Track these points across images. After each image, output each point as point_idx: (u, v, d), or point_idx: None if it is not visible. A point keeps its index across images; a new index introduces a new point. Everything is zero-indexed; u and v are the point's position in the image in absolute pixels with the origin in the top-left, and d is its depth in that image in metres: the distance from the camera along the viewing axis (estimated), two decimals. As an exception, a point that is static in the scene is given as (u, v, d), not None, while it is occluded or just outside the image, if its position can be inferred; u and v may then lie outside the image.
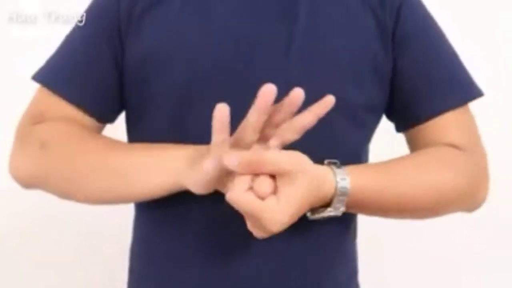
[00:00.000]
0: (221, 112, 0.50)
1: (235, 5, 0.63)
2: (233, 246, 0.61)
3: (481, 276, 1.34)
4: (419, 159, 0.65)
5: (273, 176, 0.51)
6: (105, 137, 0.66)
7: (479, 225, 1.24)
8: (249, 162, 0.50)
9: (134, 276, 0.70)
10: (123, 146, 0.65)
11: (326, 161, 0.58)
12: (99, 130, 0.69)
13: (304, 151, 0.54)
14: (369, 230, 0.77)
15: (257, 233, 0.53)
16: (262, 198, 0.50)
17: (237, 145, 0.53)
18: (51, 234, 1.28)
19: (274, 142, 0.54)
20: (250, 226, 0.53)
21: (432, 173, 0.63)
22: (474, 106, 0.69)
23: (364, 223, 0.73)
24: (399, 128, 0.72)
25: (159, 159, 0.59)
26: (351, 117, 0.64)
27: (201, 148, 0.57)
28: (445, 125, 0.66)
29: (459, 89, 0.68)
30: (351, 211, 0.61)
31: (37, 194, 0.67)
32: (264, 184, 0.51)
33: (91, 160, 0.62)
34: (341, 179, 0.56)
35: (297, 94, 0.52)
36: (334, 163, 0.58)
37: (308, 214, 0.58)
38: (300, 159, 0.53)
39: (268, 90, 0.49)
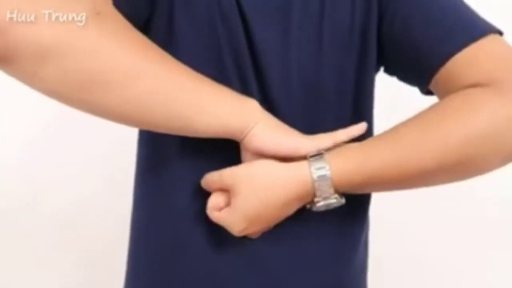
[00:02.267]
0: (363, 127, 0.60)
1: None
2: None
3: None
4: (424, 117, 0.57)
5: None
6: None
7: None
8: (203, 183, 0.60)
9: (133, 265, 0.69)
10: (186, 67, 0.57)
11: (308, 155, 0.57)
12: None
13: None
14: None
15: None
16: (217, 209, 0.59)
17: None
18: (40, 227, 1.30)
19: None
20: None
21: (443, 129, 0.54)
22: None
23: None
24: (422, 89, 0.65)
25: (236, 98, 0.58)
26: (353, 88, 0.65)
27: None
28: (462, 64, 0.58)
29: (467, 25, 0.59)
30: (362, 191, 0.63)
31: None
32: (212, 199, 0.59)
33: (162, 71, 0.54)
34: (317, 168, 0.56)
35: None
36: (319, 154, 0.57)
37: (308, 207, 0.60)
38: (237, 171, 0.58)
39: (363, 128, 0.60)
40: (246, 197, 0.57)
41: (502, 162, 0.56)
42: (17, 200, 1.29)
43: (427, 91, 0.65)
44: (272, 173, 0.57)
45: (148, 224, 0.67)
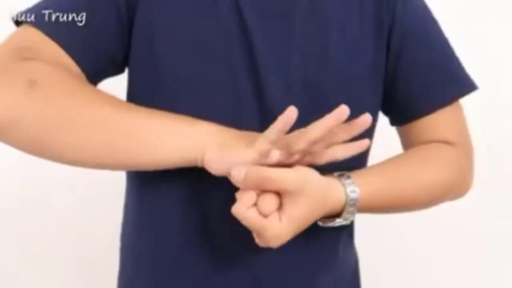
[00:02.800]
0: (291, 114, 0.51)
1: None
2: (229, 240, 0.62)
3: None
4: (416, 159, 0.68)
5: (279, 193, 0.52)
6: (105, 92, 0.58)
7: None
8: (253, 177, 0.51)
9: (125, 271, 0.70)
10: (134, 106, 0.58)
11: (335, 174, 0.58)
12: None
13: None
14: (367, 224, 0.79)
15: (260, 243, 0.54)
16: (265, 216, 0.51)
17: (282, 148, 0.53)
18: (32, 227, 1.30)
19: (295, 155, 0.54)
20: (255, 237, 0.54)
21: (429, 172, 0.66)
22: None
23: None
24: (393, 122, 0.74)
25: (183, 128, 0.56)
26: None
27: (233, 131, 0.57)
28: (439, 121, 0.69)
29: (455, 84, 0.70)
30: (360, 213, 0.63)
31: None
32: (267, 201, 0.51)
33: (96, 113, 0.54)
34: (351, 191, 0.57)
35: (364, 120, 0.53)
36: (342, 175, 0.58)
37: (320, 223, 0.59)
38: (305, 177, 0.53)
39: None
40: (304, 208, 0.53)
41: (464, 194, 0.73)
42: (17, 200, 1.29)
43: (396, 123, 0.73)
44: (321, 187, 0.55)
45: (139, 232, 0.67)
